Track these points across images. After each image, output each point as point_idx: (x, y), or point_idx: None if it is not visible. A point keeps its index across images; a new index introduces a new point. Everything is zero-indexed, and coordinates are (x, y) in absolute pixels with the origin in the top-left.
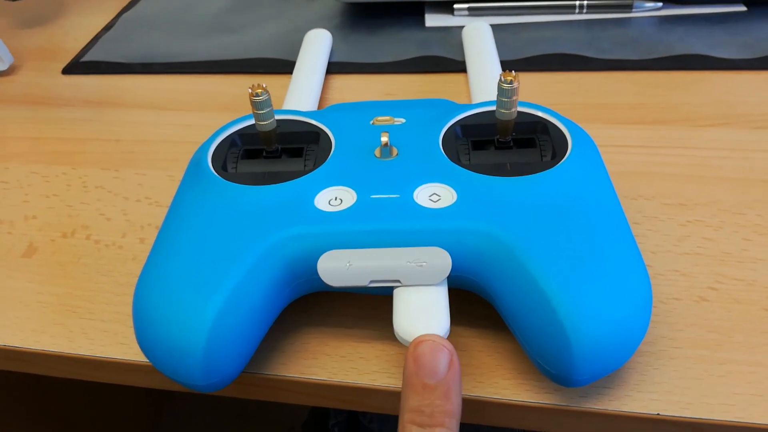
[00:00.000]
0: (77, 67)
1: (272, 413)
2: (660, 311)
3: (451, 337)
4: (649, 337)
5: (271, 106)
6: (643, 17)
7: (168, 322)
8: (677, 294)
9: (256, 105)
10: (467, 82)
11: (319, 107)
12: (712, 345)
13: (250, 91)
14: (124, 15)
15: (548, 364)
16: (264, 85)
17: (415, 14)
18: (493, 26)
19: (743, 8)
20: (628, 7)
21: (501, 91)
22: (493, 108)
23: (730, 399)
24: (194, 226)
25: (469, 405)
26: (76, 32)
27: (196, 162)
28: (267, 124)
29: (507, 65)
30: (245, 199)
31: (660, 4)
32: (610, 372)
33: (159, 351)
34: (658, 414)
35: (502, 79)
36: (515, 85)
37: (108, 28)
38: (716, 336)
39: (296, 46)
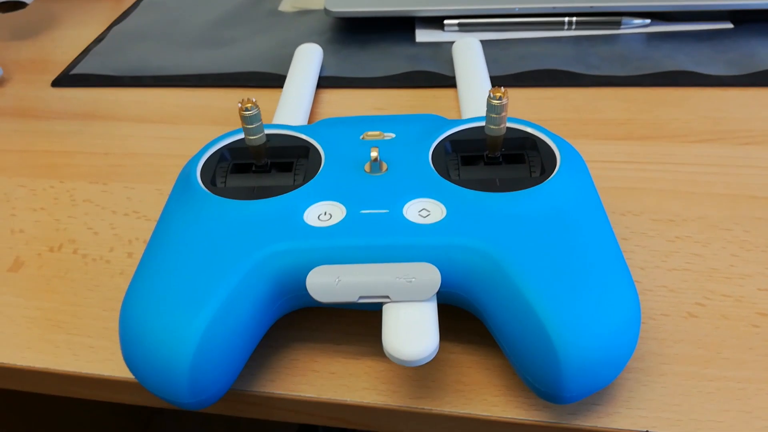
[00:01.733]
0: (67, 79)
1: (263, 426)
2: (648, 327)
3: (441, 353)
4: (638, 353)
5: (260, 120)
6: (632, 34)
7: (154, 339)
8: (666, 310)
9: (245, 119)
10: (457, 98)
11: (309, 121)
12: (701, 361)
13: (239, 105)
14: (115, 28)
15: (537, 381)
16: (254, 100)
17: (406, 29)
18: (483, 42)
19: (730, 25)
20: (617, 24)
21: (490, 108)
22: (483, 124)
23: (719, 416)
24: (182, 240)
25: (459, 422)
26: (66, 44)
27: (185, 176)
28: (256, 138)
29: (497, 81)
30: (234, 214)
31: (648, 21)
32: (599, 389)
33: (145, 368)
34: (647, 431)
35: (491, 95)
36: (504, 101)
37: (98, 40)
38: (705, 352)
39: (287, 60)
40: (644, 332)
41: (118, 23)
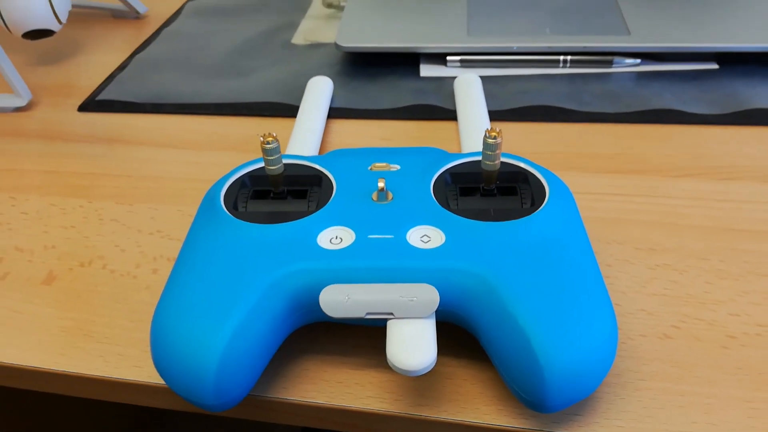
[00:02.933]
0: (92, 104)
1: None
2: (627, 347)
3: (438, 366)
4: (617, 369)
5: (279, 152)
6: (623, 72)
7: (183, 348)
8: (643, 331)
9: (266, 152)
10: (458, 130)
11: (321, 150)
12: (674, 378)
13: (261, 139)
14: (138, 56)
15: (524, 392)
16: (274, 134)
17: (411, 64)
18: (483, 78)
19: (715, 66)
20: (609, 63)
21: (486, 145)
22: (479, 158)
23: (688, 427)
24: (208, 259)
25: (454, 429)
26: (90, 70)
27: (210, 200)
28: (275, 168)
29: (495, 115)
30: (254, 236)
31: (638, 60)
32: (579, 400)
33: (174, 373)
34: None
35: (487, 135)
36: (499, 140)
37: (122, 68)
38: (678, 370)
39: (299, 91)
40: (623, 351)
41: (140, 51)
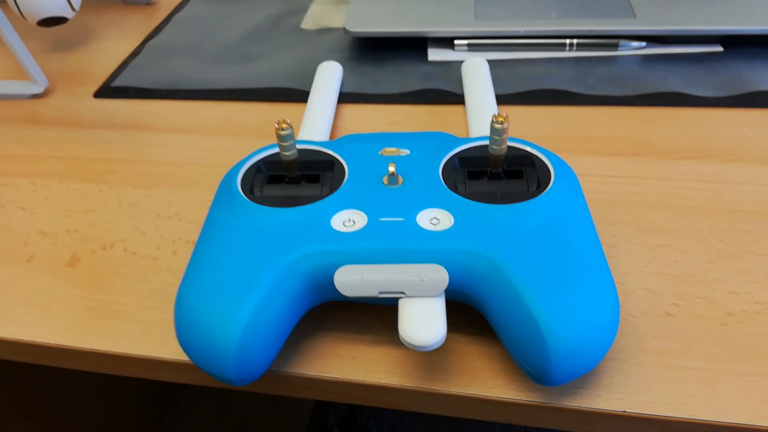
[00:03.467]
0: (107, 91)
1: (271, 422)
2: (629, 324)
3: (448, 342)
4: (619, 345)
5: (293, 138)
6: (628, 56)
7: (206, 325)
8: (645, 309)
9: (281, 138)
10: (465, 114)
11: (331, 135)
12: (674, 353)
13: (276, 126)
14: (150, 42)
15: (529, 366)
16: (288, 121)
17: (419, 48)
18: (490, 62)
19: (720, 48)
20: (615, 46)
21: (493, 130)
22: (487, 143)
23: (687, 399)
24: (227, 241)
25: (463, 401)
26: (104, 57)
27: (227, 185)
28: (290, 154)
29: (501, 99)
30: (271, 220)
31: (644, 43)
32: (582, 374)
33: (198, 350)
34: (624, 411)
35: (494, 120)
36: (505, 125)
37: (135, 54)
38: (678, 346)
39: (309, 76)
40: (625, 328)
41: (152, 38)
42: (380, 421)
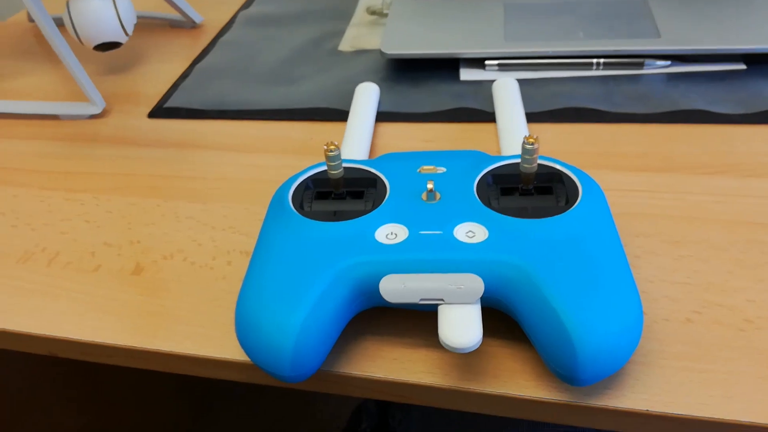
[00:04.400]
0: (161, 112)
1: (308, 422)
2: (653, 329)
3: (483, 346)
4: (643, 350)
5: (341, 158)
6: (653, 74)
7: (265, 328)
8: (668, 316)
9: (330, 158)
10: (497, 132)
11: (370, 153)
12: (694, 357)
13: (325, 147)
14: (198, 65)
15: (559, 368)
16: (336, 143)
17: (451, 68)
18: (520, 80)
19: (743, 66)
20: (640, 65)
21: (524, 150)
22: (518, 161)
23: (706, 399)
24: (281, 252)
25: (497, 400)
26: (155, 79)
27: (279, 201)
28: (337, 173)
29: (531, 117)
30: (321, 233)
31: (668, 62)
32: (608, 375)
33: (258, 350)
34: (647, 410)
35: (526, 141)
36: (536, 146)
37: (184, 76)
38: (698, 350)
39: (347, 96)
40: (648, 333)
41: (200, 61)
42: (410, 423)
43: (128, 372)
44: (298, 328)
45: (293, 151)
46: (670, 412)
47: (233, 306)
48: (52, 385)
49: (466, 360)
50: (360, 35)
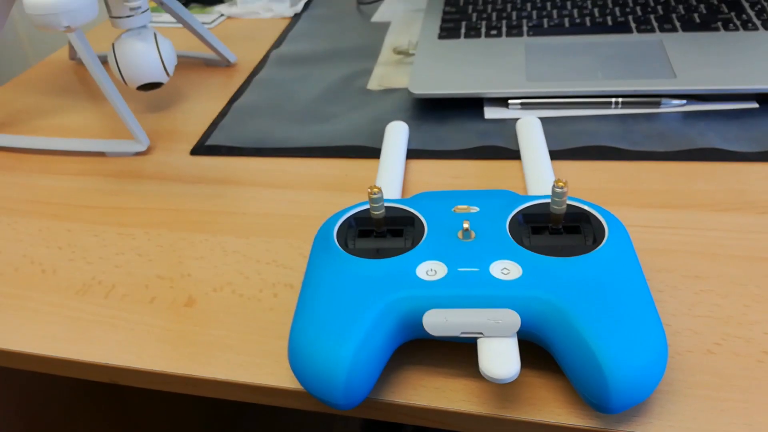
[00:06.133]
0: (202, 149)
1: None
2: (676, 361)
3: (520, 376)
4: (668, 379)
5: (383, 200)
6: (670, 112)
7: (319, 359)
8: (690, 347)
9: (373, 200)
10: (521, 168)
11: (402, 190)
12: (716, 387)
13: (369, 190)
14: (235, 103)
15: (591, 396)
16: (379, 186)
17: (476, 107)
18: (542, 118)
19: (755, 105)
20: (657, 104)
21: (555, 193)
22: (547, 201)
23: (728, 427)
24: (330, 288)
25: (533, 427)
26: (194, 117)
27: (324, 238)
28: (379, 213)
29: (554, 154)
30: (366, 270)
31: (684, 101)
32: (636, 403)
33: (311, 379)
34: None
35: (556, 185)
36: (565, 189)
37: (223, 114)
38: (719, 380)
39: (377, 134)
40: (672, 364)
41: (236, 99)
42: None
43: (155, 394)
44: (350, 359)
45: (329, 188)
46: None
47: (281, 336)
48: (85, 407)
49: (502, 389)
50: (387, 74)
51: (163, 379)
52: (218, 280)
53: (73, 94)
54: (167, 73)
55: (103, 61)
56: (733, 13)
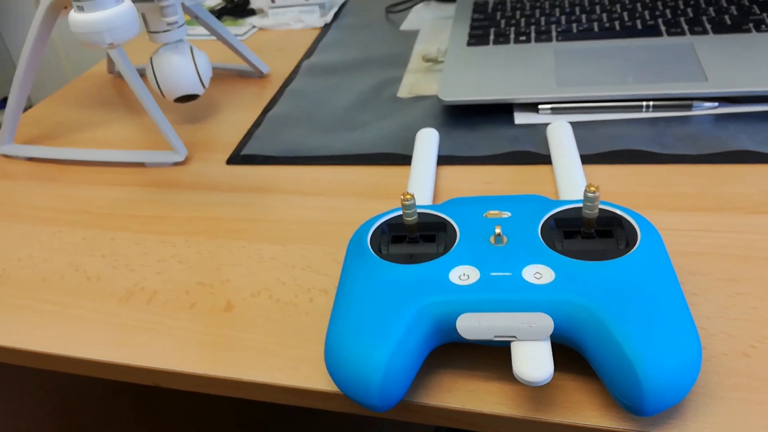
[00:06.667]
0: (239, 159)
1: None
2: (712, 364)
3: (554, 379)
4: (702, 382)
5: (415, 207)
6: (702, 115)
7: (355, 362)
8: (725, 350)
9: (406, 207)
10: (552, 173)
11: (434, 195)
12: (751, 389)
13: (402, 197)
14: (269, 113)
15: (625, 399)
16: (412, 193)
17: (506, 113)
18: (572, 123)
19: None
20: (689, 107)
21: (587, 198)
22: (579, 205)
23: (763, 430)
24: (365, 292)
25: (567, 430)
26: (228, 127)
27: (358, 244)
28: (412, 219)
29: (585, 159)
30: (400, 274)
31: (716, 104)
32: (670, 406)
33: (348, 381)
34: None
35: (587, 189)
36: (597, 194)
37: (257, 125)
38: (755, 383)
39: (408, 141)
40: (707, 367)
41: (270, 109)
42: None
43: (185, 397)
44: (386, 362)
45: (362, 195)
46: None
47: (318, 340)
48: (118, 408)
49: (536, 392)
50: (417, 82)
51: (204, 382)
52: (256, 285)
53: (112, 107)
54: (203, 85)
55: (141, 74)
56: (765, 14)
